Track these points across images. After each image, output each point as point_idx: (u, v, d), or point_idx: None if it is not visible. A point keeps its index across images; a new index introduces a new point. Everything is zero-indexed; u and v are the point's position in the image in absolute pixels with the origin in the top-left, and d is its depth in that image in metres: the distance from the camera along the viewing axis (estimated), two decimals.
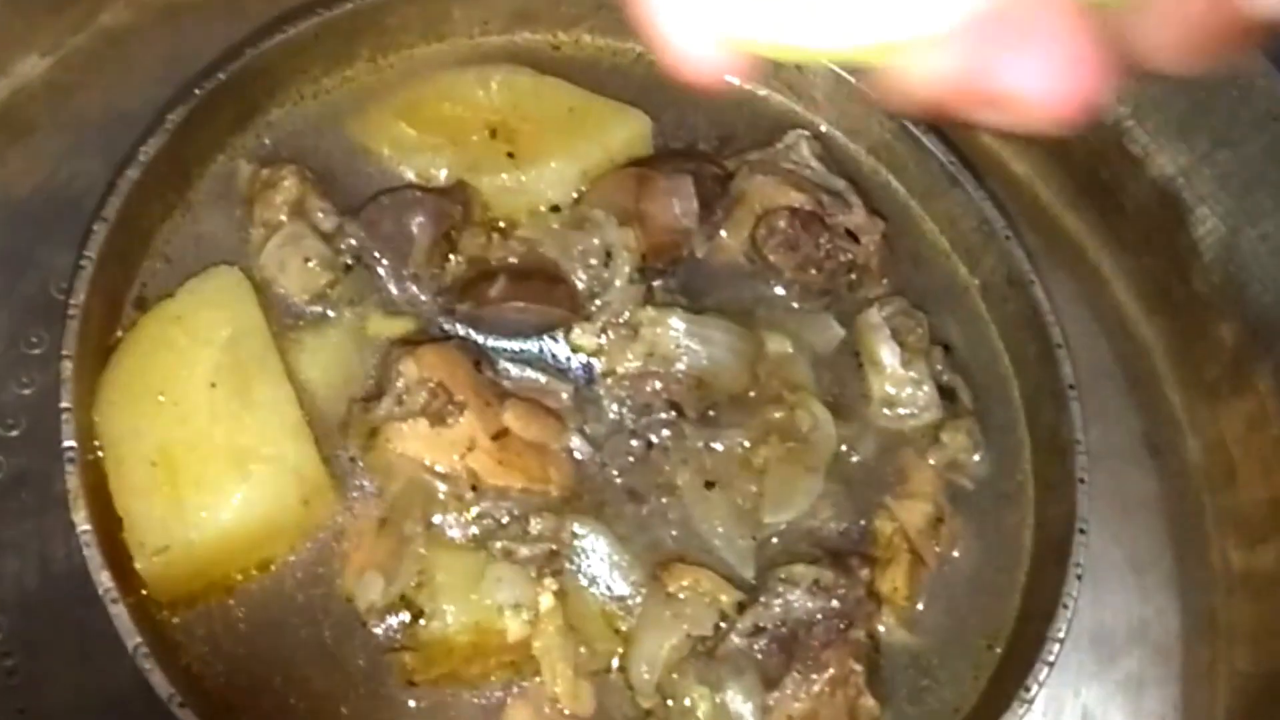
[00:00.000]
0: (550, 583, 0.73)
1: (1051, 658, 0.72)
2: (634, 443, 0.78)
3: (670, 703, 0.73)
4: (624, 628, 0.74)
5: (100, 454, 0.74)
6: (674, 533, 0.76)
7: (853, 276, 0.84)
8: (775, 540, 0.77)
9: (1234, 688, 0.85)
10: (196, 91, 0.80)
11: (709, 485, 0.77)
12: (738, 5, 0.35)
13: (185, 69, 0.85)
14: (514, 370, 0.79)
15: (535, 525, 0.75)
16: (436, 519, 0.74)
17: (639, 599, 0.74)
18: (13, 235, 0.86)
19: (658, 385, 0.78)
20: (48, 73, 0.91)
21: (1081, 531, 0.75)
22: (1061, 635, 0.72)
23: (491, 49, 0.90)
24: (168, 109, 0.80)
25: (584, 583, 0.74)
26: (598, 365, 0.79)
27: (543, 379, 0.78)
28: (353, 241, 0.80)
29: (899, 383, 0.81)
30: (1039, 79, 0.33)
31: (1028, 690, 0.71)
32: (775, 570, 0.74)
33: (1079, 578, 0.74)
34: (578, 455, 0.77)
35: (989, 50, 0.33)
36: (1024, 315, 0.83)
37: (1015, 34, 0.33)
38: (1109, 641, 0.85)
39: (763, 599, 0.73)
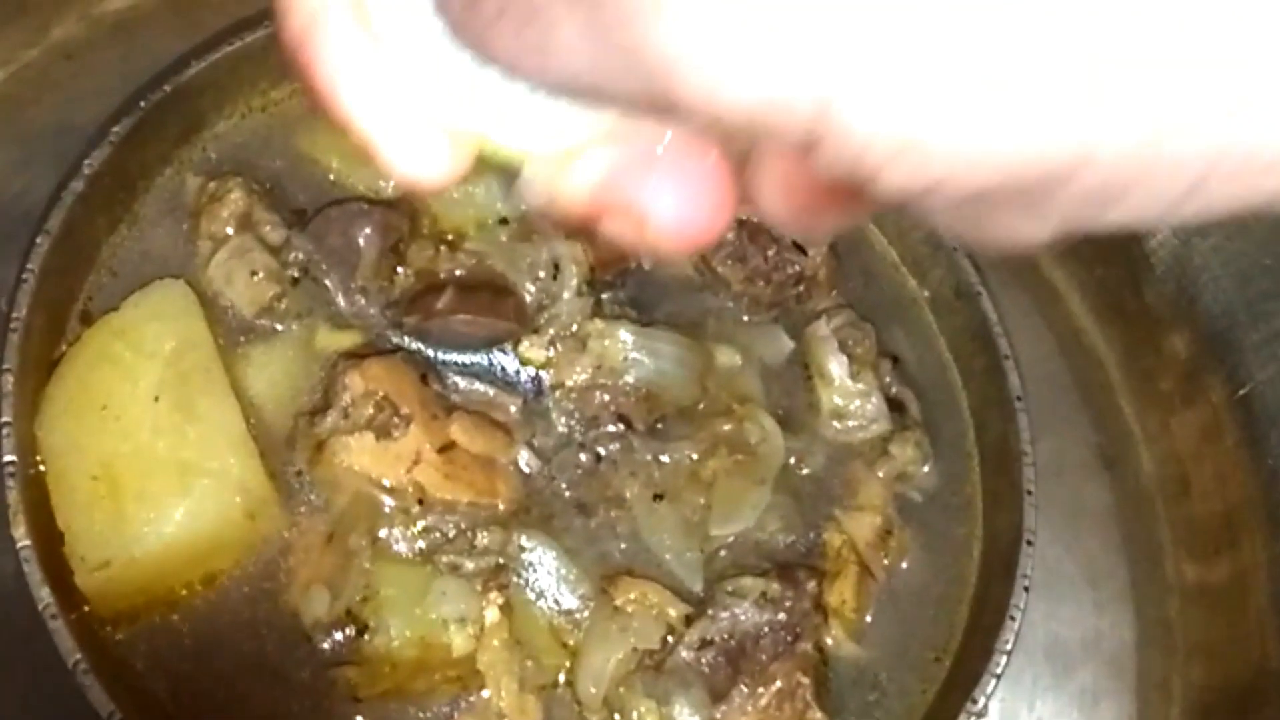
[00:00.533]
0: (496, 596, 0.73)
1: (999, 670, 0.72)
2: (582, 456, 0.78)
3: (617, 717, 0.72)
4: (571, 642, 0.73)
5: (42, 468, 0.73)
6: (622, 546, 0.76)
7: (801, 289, 0.83)
8: (723, 553, 0.76)
9: (1189, 700, 0.85)
10: (142, 104, 0.79)
11: (657, 498, 0.77)
12: (451, 95, 0.33)
13: (138, 83, 0.85)
14: (462, 383, 0.78)
15: (482, 539, 0.74)
16: (383, 533, 0.74)
17: (586, 613, 0.74)
18: None
19: (606, 398, 0.78)
20: (0, 86, 0.91)
21: (1029, 543, 0.75)
22: (1009, 647, 0.72)
23: None
24: (113, 121, 0.79)
25: (531, 596, 0.74)
26: (546, 378, 0.79)
27: (491, 392, 0.78)
28: (300, 254, 0.80)
29: (847, 395, 0.80)
30: (675, 207, 0.33)
31: (975, 702, 0.71)
32: (723, 583, 0.74)
33: (1026, 589, 0.73)
34: (525, 468, 0.77)
35: (635, 171, 0.33)
36: (972, 327, 0.83)
37: (661, 161, 0.33)
38: (1063, 654, 0.85)
39: (710, 612, 0.73)
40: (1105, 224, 0.29)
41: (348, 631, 0.72)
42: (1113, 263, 0.92)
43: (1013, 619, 0.73)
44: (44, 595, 0.68)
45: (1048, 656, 0.85)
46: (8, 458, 0.71)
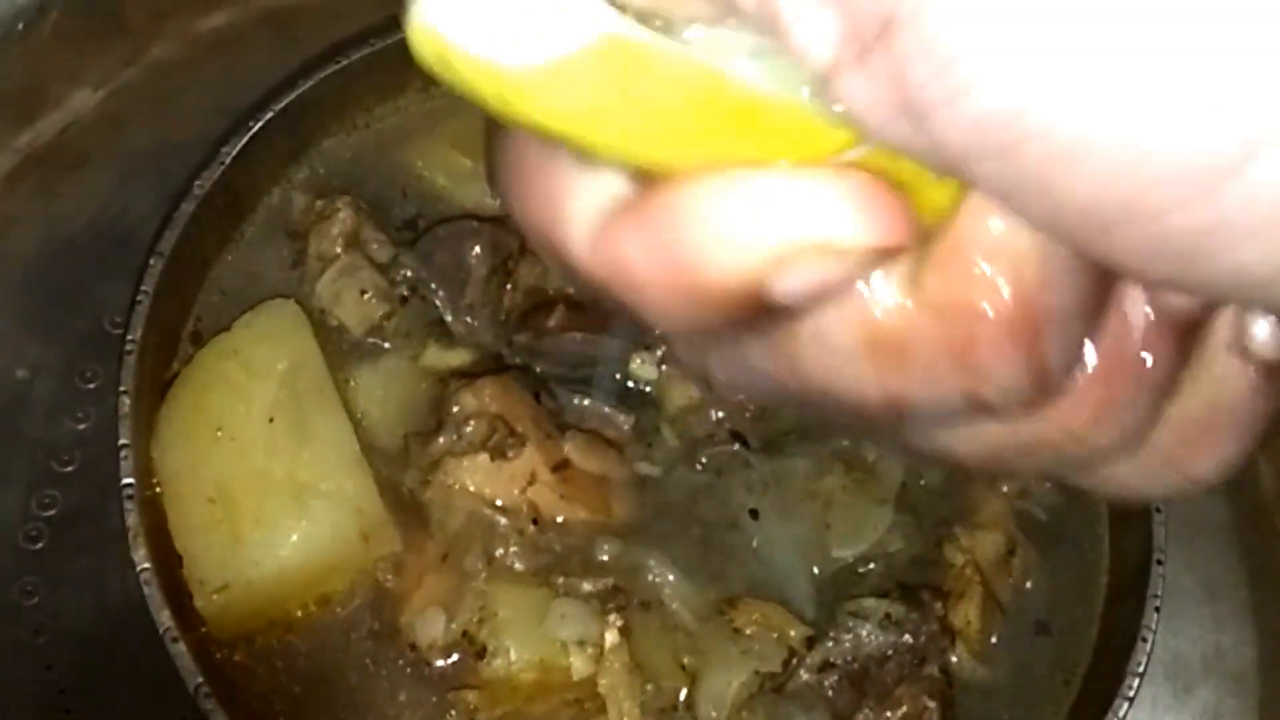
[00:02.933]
0: (615, 618, 0.71)
1: (1131, 692, 0.70)
2: (697, 473, 0.76)
3: None
4: (690, 664, 0.72)
5: (158, 490, 0.73)
6: (739, 565, 0.75)
7: None
8: (843, 573, 0.75)
9: None
10: (250, 124, 0.79)
11: (775, 517, 0.75)
12: None
13: (236, 101, 0.85)
14: (574, 401, 0.77)
15: (598, 559, 0.73)
16: (498, 553, 0.73)
17: (705, 634, 0.73)
18: (65, 269, 0.86)
19: (720, 414, 0.77)
20: (99, 106, 0.91)
21: (1159, 562, 0.73)
22: (1141, 669, 0.70)
23: None
24: (221, 141, 0.79)
25: (649, 618, 0.73)
26: (658, 395, 0.78)
27: (603, 409, 0.77)
28: (408, 273, 0.79)
29: None
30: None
31: None
32: (844, 604, 0.72)
33: (1158, 610, 0.71)
34: (640, 487, 0.76)
35: None
36: None
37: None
38: (1184, 673, 0.83)
39: (832, 634, 0.71)
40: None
41: (465, 654, 0.72)
42: None
43: (1144, 640, 0.71)
44: (164, 619, 0.68)
45: (1168, 675, 0.83)
46: (126, 480, 0.71)
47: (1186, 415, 0.32)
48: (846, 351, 0.28)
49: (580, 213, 0.28)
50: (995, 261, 0.27)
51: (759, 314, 0.28)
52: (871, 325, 0.28)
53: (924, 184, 0.27)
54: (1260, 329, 0.31)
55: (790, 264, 0.26)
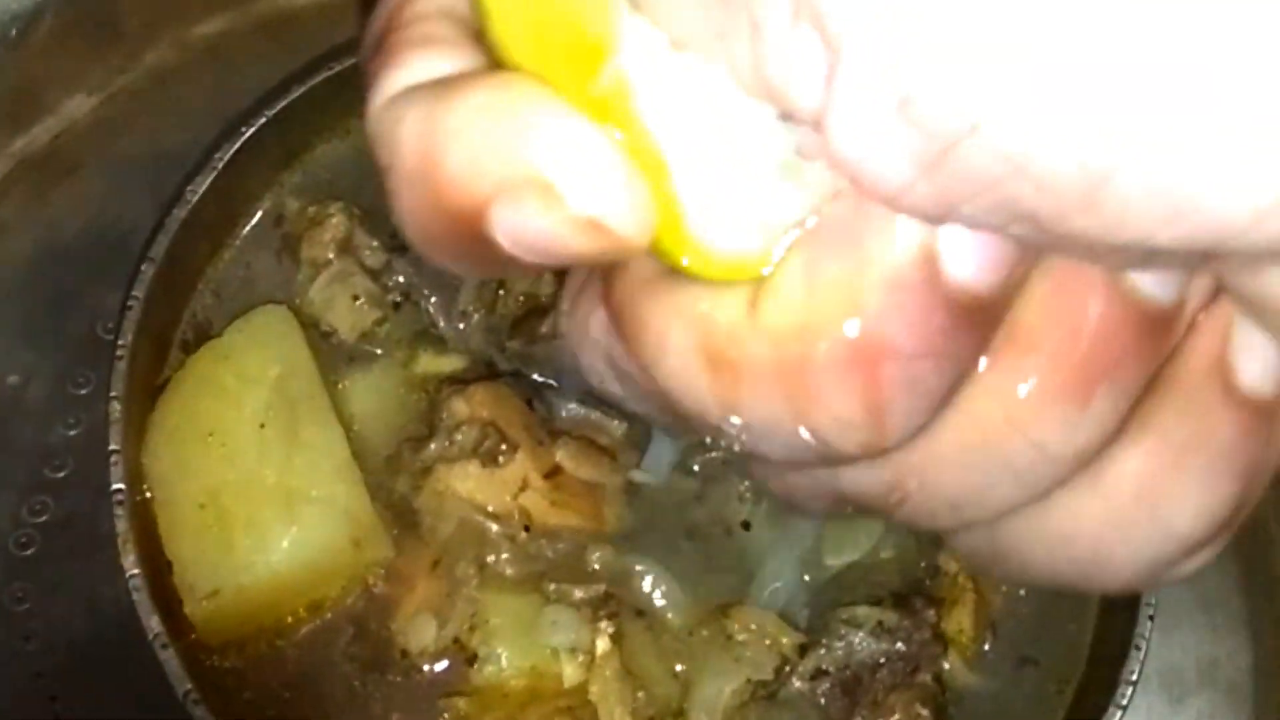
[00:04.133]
0: (606, 625, 0.71)
1: (1125, 701, 0.70)
2: (690, 481, 0.76)
3: None
4: (682, 671, 0.72)
5: (149, 495, 0.73)
6: (732, 573, 0.75)
7: None
8: (836, 580, 0.75)
9: None
10: (243, 130, 0.79)
11: (767, 524, 0.75)
12: None
13: (231, 107, 0.85)
14: (566, 408, 0.77)
15: (590, 566, 0.73)
16: (489, 560, 0.73)
17: (697, 642, 0.72)
18: (58, 275, 0.86)
19: None
20: (93, 112, 0.91)
21: None
22: (1134, 678, 0.70)
23: None
24: (214, 147, 0.79)
25: (641, 625, 0.73)
26: None
27: (595, 416, 0.77)
28: (401, 279, 0.79)
29: None
30: None
31: None
32: (837, 612, 0.72)
33: (1151, 619, 0.71)
34: (632, 494, 0.76)
35: None
36: None
37: None
38: (1178, 682, 0.83)
39: (824, 641, 0.71)
40: None
41: (456, 660, 0.71)
42: None
43: (1138, 649, 0.70)
44: (154, 624, 0.68)
45: (1162, 684, 0.82)
46: (116, 485, 0.71)
47: (1162, 443, 0.30)
48: (686, 362, 0.28)
49: (397, 75, 0.28)
50: (834, 293, 0.26)
51: (478, 250, 0.27)
52: (708, 339, 0.28)
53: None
54: (1248, 365, 0.29)
55: (510, 196, 0.26)
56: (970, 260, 0.26)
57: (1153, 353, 0.29)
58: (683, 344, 0.28)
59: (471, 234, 0.27)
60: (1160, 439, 0.29)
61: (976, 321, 0.27)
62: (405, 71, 0.29)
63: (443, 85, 0.28)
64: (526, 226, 0.26)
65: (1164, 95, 0.22)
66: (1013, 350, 0.28)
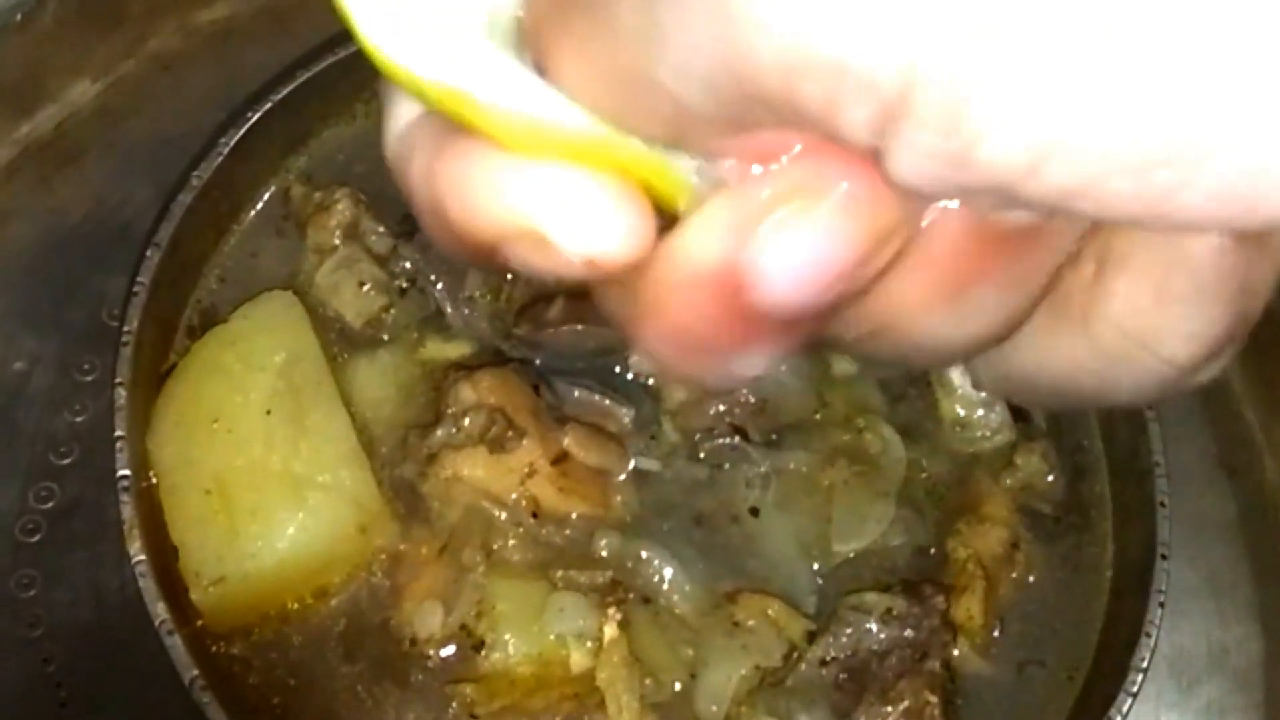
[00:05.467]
0: (614, 612, 0.71)
1: (1135, 688, 0.69)
2: (697, 467, 0.76)
3: None
4: (690, 658, 0.72)
5: (154, 482, 0.72)
6: (740, 559, 0.74)
7: None
8: (845, 567, 0.75)
9: None
10: (248, 115, 0.79)
11: (776, 511, 0.75)
12: None
13: (235, 93, 0.84)
14: (573, 394, 0.77)
15: (598, 552, 0.73)
16: (496, 546, 0.73)
17: (705, 628, 0.72)
18: (63, 261, 0.85)
19: (720, 408, 0.76)
20: (97, 98, 0.91)
21: (1163, 557, 0.72)
22: (1145, 665, 0.70)
23: None
24: (219, 133, 0.79)
25: (648, 612, 0.72)
26: (658, 388, 0.78)
27: (603, 402, 0.76)
28: (408, 264, 0.79)
29: (970, 404, 0.78)
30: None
31: None
32: (846, 598, 0.72)
33: (1161, 605, 0.71)
34: (640, 480, 0.76)
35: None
36: None
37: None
38: (1188, 668, 0.82)
39: (833, 628, 0.71)
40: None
41: (463, 647, 0.71)
42: None
43: (1148, 635, 0.70)
44: (160, 611, 0.68)
45: (1172, 671, 0.82)
46: (122, 472, 0.70)
47: (1139, 280, 0.30)
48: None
49: (403, 104, 0.31)
50: (668, 283, 0.29)
51: (505, 265, 0.30)
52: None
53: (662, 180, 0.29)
54: None
55: (511, 245, 0.28)
56: (781, 284, 0.27)
57: (1024, 258, 0.30)
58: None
59: (491, 257, 0.29)
60: (1136, 277, 0.30)
61: (779, 321, 0.28)
62: (409, 104, 0.31)
63: (438, 136, 0.29)
64: (534, 265, 0.29)
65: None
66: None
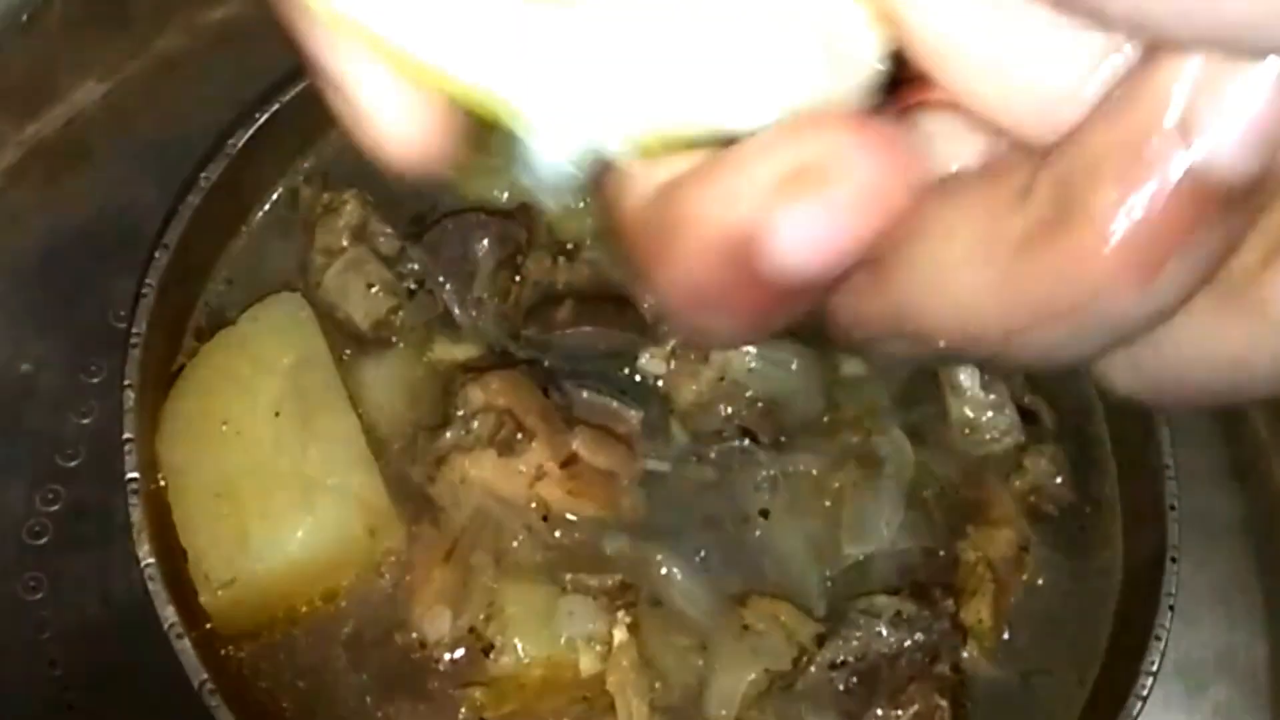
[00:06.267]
0: (624, 615, 0.71)
1: (1145, 692, 0.69)
2: (706, 470, 0.76)
3: None
4: (699, 661, 0.72)
5: (163, 484, 0.72)
6: (749, 562, 0.74)
7: None
8: (854, 570, 0.74)
9: None
10: (257, 116, 0.79)
11: (785, 513, 0.75)
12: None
13: (242, 93, 0.84)
14: (582, 396, 0.76)
15: (607, 555, 0.73)
16: (505, 549, 0.73)
17: (714, 632, 0.72)
18: (70, 262, 0.85)
19: (729, 410, 0.76)
20: (104, 98, 0.90)
21: (1173, 560, 0.72)
22: (1155, 669, 0.70)
23: None
24: (228, 134, 0.79)
25: (658, 615, 0.72)
26: (668, 390, 0.77)
27: (612, 404, 0.76)
28: (416, 266, 0.79)
29: (979, 406, 0.78)
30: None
31: None
32: (855, 601, 0.72)
33: (1171, 609, 0.71)
34: (649, 482, 0.75)
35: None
36: None
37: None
38: (1196, 672, 0.82)
39: (843, 631, 0.71)
40: None
41: (472, 650, 0.71)
42: None
43: (1158, 639, 0.70)
44: (169, 614, 0.68)
45: (1180, 674, 0.82)
46: (131, 474, 0.70)
47: None
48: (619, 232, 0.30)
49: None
50: (677, 232, 0.28)
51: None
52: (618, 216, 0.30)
53: None
54: None
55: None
56: (801, 250, 0.26)
57: (1234, 220, 0.27)
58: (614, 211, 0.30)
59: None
60: None
61: (794, 294, 0.28)
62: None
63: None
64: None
65: None
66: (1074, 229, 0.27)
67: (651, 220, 0.28)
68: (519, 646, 0.70)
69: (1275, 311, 0.28)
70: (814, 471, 0.76)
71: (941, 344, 0.30)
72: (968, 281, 0.28)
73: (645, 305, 0.76)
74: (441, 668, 0.71)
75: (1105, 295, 0.27)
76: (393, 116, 0.28)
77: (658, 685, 0.71)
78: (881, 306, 0.30)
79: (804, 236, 0.26)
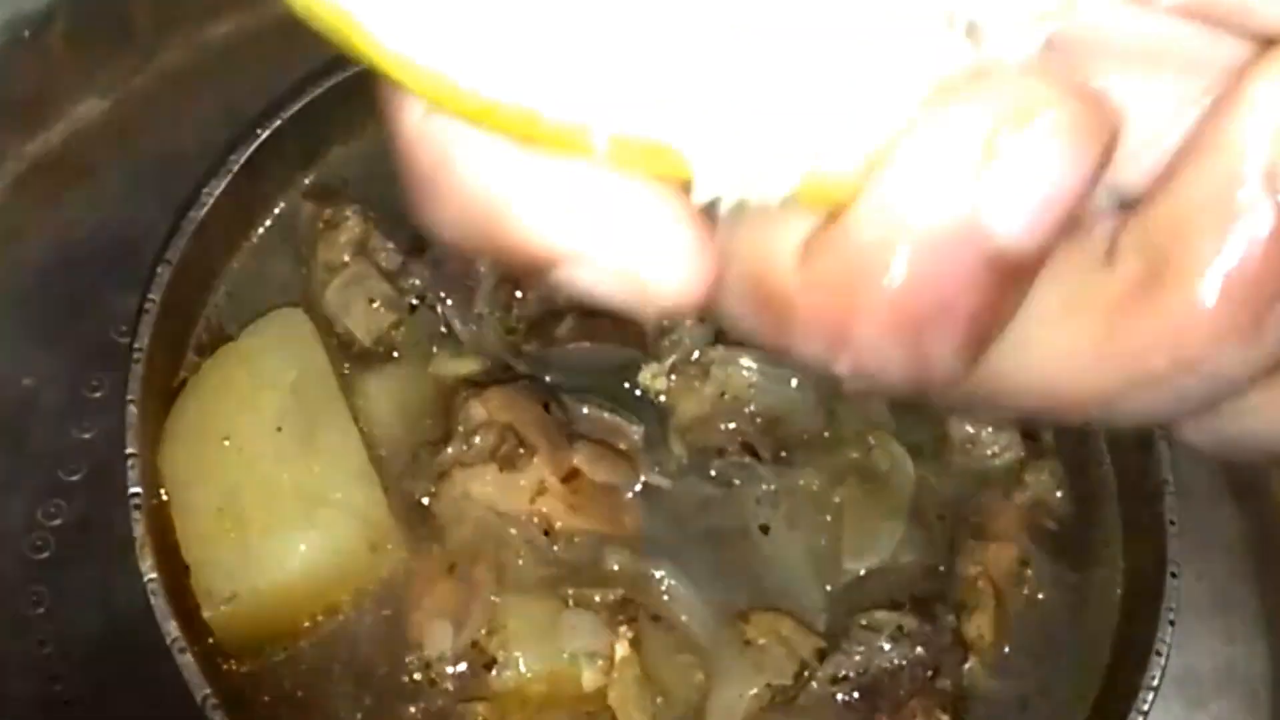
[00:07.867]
0: (625, 630, 0.71)
1: (1146, 706, 0.69)
2: (707, 485, 0.76)
3: None
4: (701, 676, 0.72)
5: (165, 499, 0.72)
6: (750, 577, 0.74)
7: None
8: (856, 585, 0.75)
9: None
10: (258, 132, 0.79)
11: (786, 528, 0.75)
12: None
13: (244, 109, 0.84)
14: (583, 411, 0.77)
15: (609, 570, 0.73)
16: (507, 564, 0.73)
17: (716, 646, 0.72)
18: (72, 278, 0.85)
19: (730, 426, 0.77)
20: (106, 114, 0.91)
21: (1174, 575, 0.72)
22: (1156, 683, 0.70)
23: None
24: (229, 149, 0.79)
25: (660, 630, 0.72)
26: (669, 406, 0.78)
27: (614, 419, 0.76)
28: (417, 282, 0.79)
29: (979, 422, 0.78)
30: None
31: None
32: (856, 616, 0.72)
33: (1172, 624, 0.71)
34: (650, 498, 0.76)
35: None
36: None
37: None
38: (1196, 685, 0.82)
39: (844, 646, 0.71)
40: None
41: (474, 665, 0.71)
42: None
43: (1159, 654, 0.70)
44: (171, 629, 0.68)
45: (1180, 687, 0.82)
46: (133, 489, 0.70)
47: None
48: (741, 296, 0.27)
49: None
50: (885, 251, 0.25)
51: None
52: (758, 281, 0.27)
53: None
54: None
55: (565, 264, 0.25)
56: (1015, 221, 0.24)
57: None
58: (736, 273, 0.27)
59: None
60: None
61: (1017, 278, 0.25)
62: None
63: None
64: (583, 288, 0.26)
65: None
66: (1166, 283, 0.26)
67: (825, 274, 0.26)
68: (521, 661, 0.70)
69: None
70: (815, 487, 0.76)
71: (1036, 409, 0.29)
72: (1062, 347, 0.27)
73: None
74: (443, 683, 0.71)
75: (1209, 354, 0.26)
76: (663, 252, 0.25)
77: (660, 700, 0.71)
78: (972, 378, 0.28)
79: (1026, 185, 0.24)
